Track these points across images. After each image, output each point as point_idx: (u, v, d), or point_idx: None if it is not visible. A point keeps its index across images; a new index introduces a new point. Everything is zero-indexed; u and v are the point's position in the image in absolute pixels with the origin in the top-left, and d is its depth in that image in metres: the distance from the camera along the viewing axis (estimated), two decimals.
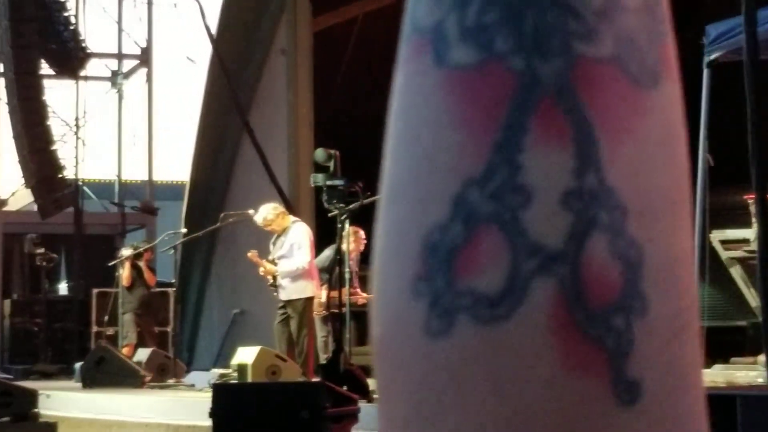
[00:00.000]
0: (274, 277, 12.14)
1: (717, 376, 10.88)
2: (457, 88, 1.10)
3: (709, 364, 11.21)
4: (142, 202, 21.91)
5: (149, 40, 21.95)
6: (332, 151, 9.98)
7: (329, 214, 10.18)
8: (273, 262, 12.18)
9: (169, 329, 17.45)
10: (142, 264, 15.99)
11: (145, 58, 22.05)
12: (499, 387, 1.09)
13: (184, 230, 15.39)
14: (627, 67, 1.14)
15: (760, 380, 9.60)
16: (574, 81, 1.12)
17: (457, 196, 1.09)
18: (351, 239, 11.23)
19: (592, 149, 1.11)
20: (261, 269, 12.20)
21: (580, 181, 1.11)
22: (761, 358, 11.19)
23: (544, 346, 1.09)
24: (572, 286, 1.08)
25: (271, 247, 12.33)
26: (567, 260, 1.09)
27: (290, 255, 12.08)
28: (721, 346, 12.89)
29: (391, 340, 1.09)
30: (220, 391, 7.90)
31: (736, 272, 11.60)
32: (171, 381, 13.13)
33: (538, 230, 1.08)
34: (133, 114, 22.13)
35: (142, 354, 14.06)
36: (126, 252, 16.03)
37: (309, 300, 12.11)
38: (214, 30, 16.34)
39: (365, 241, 13.15)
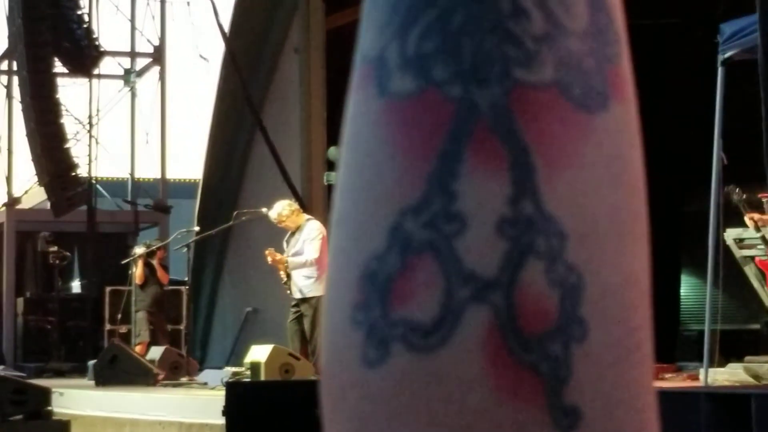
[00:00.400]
0: (288, 275, 12.14)
1: (731, 375, 10.86)
2: (396, 118, 1.10)
3: (722, 363, 11.19)
4: (154, 200, 21.93)
5: (162, 39, 21.95)
6: None
7: None
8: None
9: (181, 327, 17.48)
10: (155, 262, 16.01)
11: (158, 56, 22.05)
12: (434, 416, 1.09)
13: (196, 228, 15.40)
14: (569, 92, 1.13)
15: None
16: (510, 107, 1.11)
17: (394, 226, 1.09)
18: None
19: (529, 175, 1.11)
20: (269, 258, 12.16)
21: (515, 208, 1.10)
22: None
23: (477, 374, 1.08)
24: (506, 313, 1.08)
25: (284, 245, 12.33)
26: (501, 287, 1.09)
27: (302, 251, 12.10)
28: (736, 345, 12.87)
29: (332, 370, 1.09)
30: (234, 389, 7.92)
31: (750, 271, 11.57)
32: (184, 379, 13.15)
33: (473, 258, 1.08)
34: (145, 112, 22.15)
35: (155, 352, 14.07)
36: (139, 250, 16.05)
37: (322, 298, 12.08)
38: (227, 28, 16.35)
39: None
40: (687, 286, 16.33)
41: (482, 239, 1.07)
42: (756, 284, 11.55)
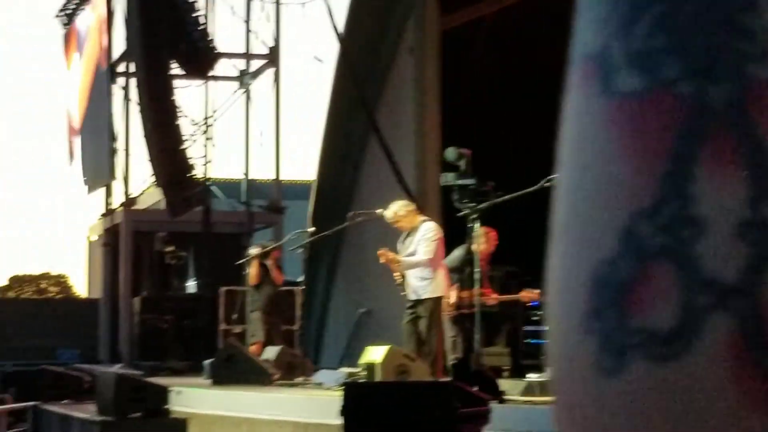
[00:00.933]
0: (403, 276, 12.11)
1: None
2: (624, 117, 1.04)
3: None
4: (269, 201, 22.10)
5: (277, 40, 22.09)
6: (463, 150, 9.93)
7: (459, 214, 10.11)
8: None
9: (295, 328, 17.56)
10: (269, 263, 16.10)
11: (272, 57, 22.20)
12: (676, 425, 1.03)
13: (311, 229, 15.44)
14: None
15: None
16: (747, 105, 1.04)
17: (625, 229, 1.03)
18: (481, 240, 11.13)
19: None
20: (382, 259, 12.11)
21: (756, 210, 1.03)
22: None
23: (721, 383, 1.02)
24: (751, 321, 1.01)
25: (399, 246, 12.30)
26: (744, 294, 1.02)
27: (416, 252, 12.05)
28: None
29: (564, 378, 1.04)
30: (352, 389, 7.90)
31: None
32: (299, 379, 13.18)
33: (713, 264, 1.02)
34: (260, 113, 22.33)
35: (271, 352, 14.13)
36: (254, 251, 16.15)
37: (439, 299, 12.06)
38: (341, 29, 16.38)
39: (496, 242, 13.07)
40: None
41: (722, 244, 1.01)
42: None
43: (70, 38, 26.34)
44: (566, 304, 1.02)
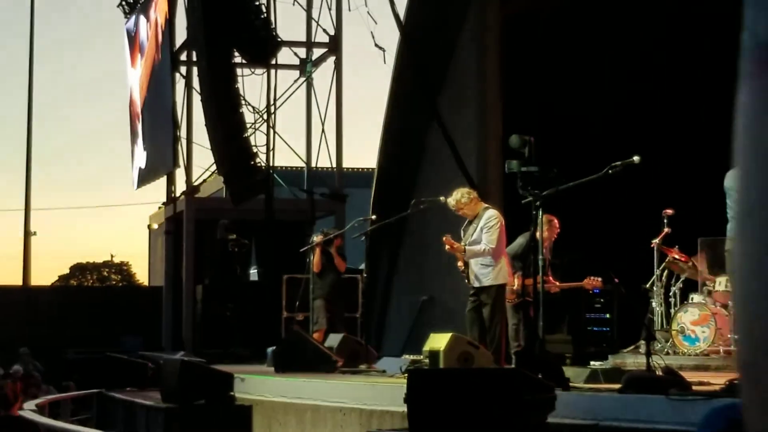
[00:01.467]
0: (466, 264, 12.10)
1: None
2: None
3: None
4: (330, 189, 22.14)
5: (338, 28, 22.11)
6: (527, 137, 9.89)
7: (523, 201, 10.07)
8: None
9: (357, 315, 17.59)
10: (332, 250, 16.12)
11: (334, 45, 22.23)
12: None
13: (373, 217, 15.46)
14: None
15: None
16: None
17: None
18: (545, 227, 11.08)
19: None
20: (447, 246, 12.11)
21: None
22: None
23: None
24: None
25: (461, 233, 12.29)
26: None
27: (479, 240, 12.04)
28: None
29: (754, 358, 1.01)
30: (416, 376, 7.91)
31: None
32: (363, 366, 13.20)
33: None
34: (321, 101, 22.36)
35: (334, 339, 14.16)
36: (316, 238, 16.17)
37: (502, 287, 12.05)
38: (402, 16, 16.37)
39: (558, 230, 13.03)
40: None
41: None
42: None
43: (134, 44, 26.55)
44: (759, 289, 1.00)
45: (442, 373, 9.27)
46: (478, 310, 11.99)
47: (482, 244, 11.98)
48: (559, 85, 16.87)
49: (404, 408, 7.65)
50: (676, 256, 14.32)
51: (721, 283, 13.95)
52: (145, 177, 26.16)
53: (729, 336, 13.42)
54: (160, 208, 25.89)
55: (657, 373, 9.06)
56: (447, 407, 7.43)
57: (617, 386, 8.79)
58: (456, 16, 16.09)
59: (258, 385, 11.89)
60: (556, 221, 12.82)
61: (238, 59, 19.80)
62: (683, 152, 15.24)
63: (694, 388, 8.51)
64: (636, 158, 10.22)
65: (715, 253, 14.15)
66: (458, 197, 12.24)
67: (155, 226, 28.58)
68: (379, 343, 17.25)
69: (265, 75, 21.46)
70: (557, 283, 13.80)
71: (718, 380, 9.34)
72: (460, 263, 12.21)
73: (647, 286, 14.33)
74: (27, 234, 32.48)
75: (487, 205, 12.48)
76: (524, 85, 16.57)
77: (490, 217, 12.15)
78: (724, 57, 17.42)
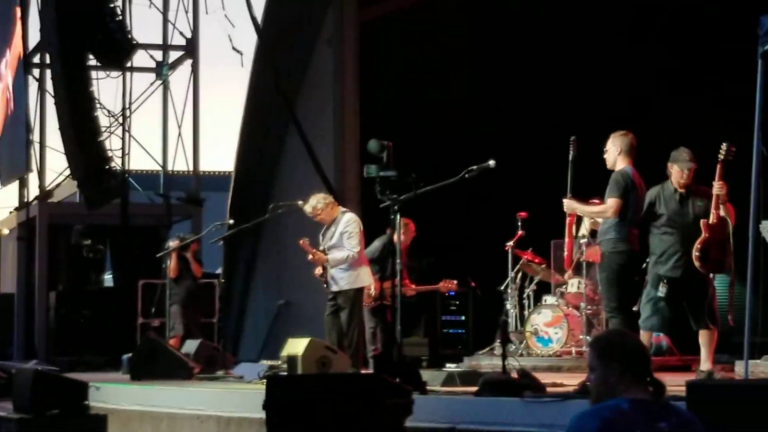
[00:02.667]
0: (324, 268, 12.13)
1: (767, 367, 10.79)
2: None
3: (758, 355, 11.11)
4: (187, 193, 21.95)
5: (195, 31, 21.92)
6: (385, 142, 9.95)
7: (381, 206, 10.14)
8: (324, 253, 12.17)
9: (214, 320, 17.49)
10: (188, 255, 16.03)
11: (190, 48, 22.03)
12: None
13: (230, 221, 15.39)
14: None
15: None
16: None
17: None
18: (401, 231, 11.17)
19: None
20: (309, 256, 12.18)
21: None
22: None
23: None
24: None
25: (320, 238, 12.32)
26: None
27: (340, 245, 12.08)
28: None
29: None
30: (274, 383, 7.89)
31: None
32: (220, 373, 13.13)
33: None
34: (178, 105, 22.15)
35: (190, 345, 14.08)
36: (172, 243, 16.05)
37: (360, 291, 12.10)
38: (260, 20, 16.33)
39: (414, 234, 13.14)
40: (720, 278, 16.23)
41: None
42: None
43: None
44: None
45: (300, 378, 9.27)
46: (336, 315, 12.03)
47: (346, 250, 12.03)
48: (417, 90, 17.00)
49: (262, 414, 7.63)
50: (530, 259, 14.56)
51: (573, 284, 14.23)
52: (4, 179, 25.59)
53: (581, 337, 13.69)
54: (11, 213, 25.37)
55: (512, 375, 9.19)
56: (305, 413, 7.44)
57: (473, 389, 8.90)
58: (313, 20, 16.11)
59: (113, 394, 11.72)
60: (411, 225, 12.94)
61: (92, 62, 19.52)
62: (537, 156, 15.44)
63: (548, 389, 8.67)
64: (491, 162, 10.37)
65: None
66: (314, 203, 12.27)
67: (6, 231, 27.96)
68: (236, 348, 17.18)
69: (121, 78, 21.20)
70: (413, 286, 13.94)
71: (571, 381, 9.53)
72: (318, 270, 12.22)
73: (502, 288, 14.53)
74: None
75: (344, 210, 12.53)
76: (383, 91, 16.67)
77: (349, 222, 12.20)
78: (577, 60, 17.76)
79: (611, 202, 9.60)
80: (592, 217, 10.13)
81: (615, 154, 9.72)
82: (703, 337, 10.08)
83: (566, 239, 10.37)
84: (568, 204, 9.91)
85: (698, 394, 6.11)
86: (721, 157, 9.98)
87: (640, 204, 9.79)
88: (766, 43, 9.12)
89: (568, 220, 10.17)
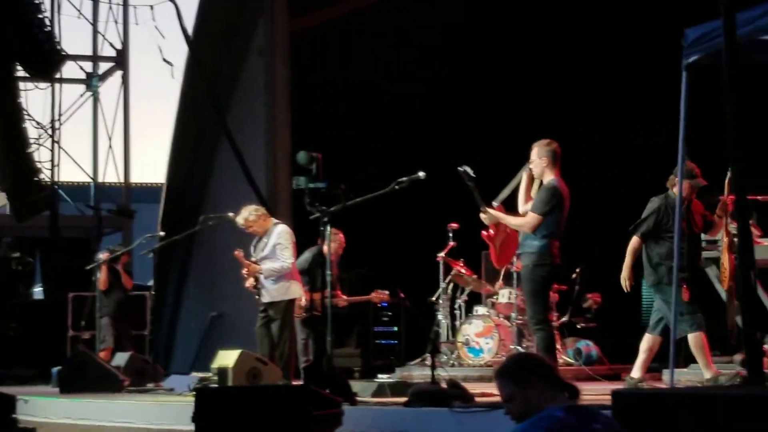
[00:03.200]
0: (256, 279, 12.12)
1: (693, 375, 10.94)
2: None
3: (685, 364, 11.26)
4: (118, 205, 21.82)
5: (125, 42, 21.84)
6: (314, 154, 9.98)
7: (311, 217, 10.17)
8: (256, 264, 12.16)
9: (145, 333, 17.39)
10: (119, 267, 15.94)
11: (120, 60, 21.94)
12: None
13: (161, 233, 15.33)
14: None
15: (737, 379, 9.67)
16: None
17: None
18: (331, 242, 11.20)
19: None
20: (245, 270, 12.17)
21: None
22: (737, 357, 11.27)
23: None
24: None
25: (252, 249, 12.31)
26: None
27: (273, 256, 12.07)
28: None
29: None
30: (203, 395, 7.89)
31: (712, 272, 11.64)
32: (150, 385, 13.08)
33: None
34: (108, 116, 22.02)
35: (120, 358, 14.00)
36: (102, 255, 15.97)
37: (291, 302, 12.11)
38: (190, 31, 16.29)
39: (344, 244, 13.17)
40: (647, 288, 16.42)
41: None
42: (717, 285, 11.62)
43: None
44: None
45: (229, 391, 9.27)
46: (267, 326, 12.03)
47: (279, 261, 12.03)
48: (348, 102, 17.04)
49: (192, 427, 7.63)
50: (461, 269, 14.63)
51: (504, 295, 14.33)
52: None
53: (512, 347, 13.78)
54: None
55: (441, 385, 9.25)
56: (235, 425, 7.45)
57: (403, 399, 8.95)
58: (244, 31, 16.10)
59: (42, 407, 11.63)
60: (341, 236, 12.97)
61: (21, 73, 19.36)
62: (470, 166, 15.53)
63: (477, 399, 8.73)
64: (421, 174, 10.45)
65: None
66: (246, 215, 12.26)
67: None
68: (168, 361, 17.11)
69: (50, 89, 21.05)
70: (345, 297, 13.95)
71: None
72: (250, 282, 12.21)
73: (433, 299, 14.59)
74: None
75: (277, 221, 12.53)
76: (314, 102, 16.69)
77: (282, 234, 12.21)
78: (507, 70, 17.85)
79: (531, 218, 9.66)
80: (513, 227, 10.17)
81: (542, 165, 9.79)
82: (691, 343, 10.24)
83: (491, 249, 10.46)
84: (490, 215, 9.98)
85: (624, 402, 6.20)
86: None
87: (564, 217, 9.86)
88: (690, 55, 9.26)
89: (488, 232, 10.26)
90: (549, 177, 9.76)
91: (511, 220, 9.97)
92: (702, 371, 10.09)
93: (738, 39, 7.53)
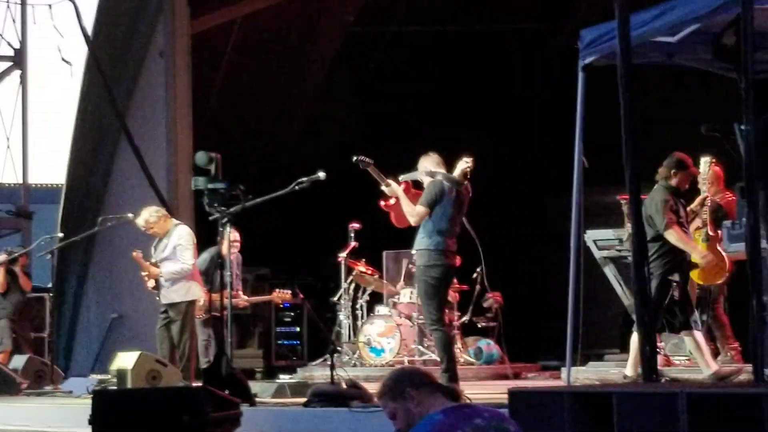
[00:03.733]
0: (157, 281, 12.05)
1: (591, 373, 11.10)
2: None
3: (583, 362, 11.41)
4: (16, 206, 21.53)
5: (23, 42, 21.57)
6: (213, 154, 9.95)
7: (210, 218, 10.14)
8: (155, 266, 12.09)
9: (44, 335, 17.19)
10: (17, 269, 15.74)
11: (18, 59, 21.67)
12: None
13: (60, 234, 15.17)
14: None
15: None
16: None
17: None
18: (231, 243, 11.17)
19: None
20: (144, 273, 12.10)
21: None
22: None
23: None
24: None
25: (152, 250, 12.24)
26: None
27: (173, 257, 12.01)
28: (594, 343, 13.14)
29: None
30: (100, 397, 7.84)
31: (610, 271, 11.82)
32: (48, 388, 12.94)
33: None
34: (6, 116, 21.72)
35: (18, 361, 13.83)
36: (1, 257, 15.76)
37: (192, 303, 12.06)
38: (90, 31, 16.13)
39: (240, 243, 13.10)
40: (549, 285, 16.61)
41: None
42: (615, 284, 11.80)
43: None
44: None
45: (127, 393, 9.22)
46: (167, 327, 11.97)
47: (179, 262, 11.97)
48: (247, 103, 17.02)
49: (90, 429, 7.57)
50: (363, 269, 14.67)
51: (405, 294, 14.40)
52: None
53: (413, 347, 13.86)
54: None
55: (342, 385, 9.28)
56: (132, 427, 7.40)
57: (303, 400, 8.97)
58: (144, 32, 15.98)
59: None
60: (236, 234, 12.96)
61: None
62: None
63: (376, 399, 8.76)
64: (321, 174, 10.48)
65: (399, 265, 14.61)
66: (146, 217, 12.19)
67: None
68: (68, 363, 16.93)
69: None
70: (246, 298, 13.92)
71: None
72: (150, 283, 12.14)
73: (335, 299, 14.61)
74: None
75: (177, 222, 12.47)
76: (215, 102, 16.63)
77: (182, 235, 12.15)
78: (404, 69, 17.95)
79: (420, 210, 9.79)
80: (406, 212, 10.22)
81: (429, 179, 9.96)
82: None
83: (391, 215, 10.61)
84: (392, 189, 10.12)
85: (520, 401, 6.26)
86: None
87: (459, 215, 9.96)
88: (585, 56, 9.41)
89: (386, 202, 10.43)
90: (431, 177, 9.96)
91: (405, 204, 10.04)
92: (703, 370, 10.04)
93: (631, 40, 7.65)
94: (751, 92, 6.62)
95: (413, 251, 10.19)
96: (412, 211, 9.83)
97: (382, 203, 10.67)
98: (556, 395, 6.37)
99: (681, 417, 5.33)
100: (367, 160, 10.40)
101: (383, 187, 10.30)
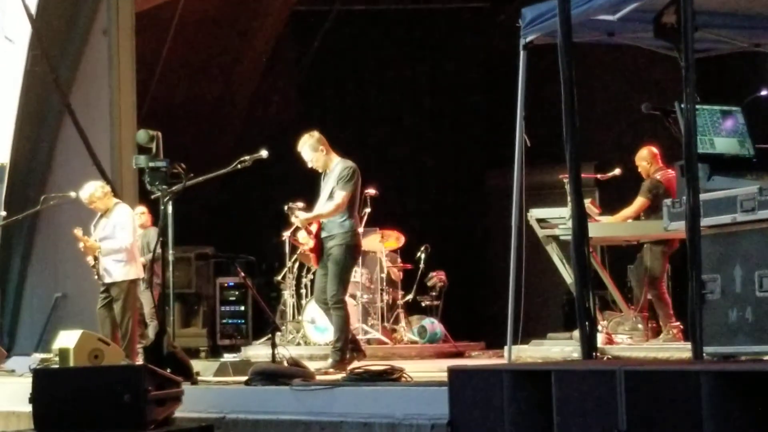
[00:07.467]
0: (96, 258, 12.03)
1: (534, 352, 11.19)
2: None
3: (525, 341, 11.49)
4: None
5: None
6: (154, 132, 9.91)
7: (152, 197, 10.12)
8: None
9: None
10: None
11: None
12: None
13: (3, 213, 15.06)
14: None
15: (575, 355, 9.89)
16: None
17: None
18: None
19: None
20: (81, 244, 12.07)
21: None
22: (576, 333, 11.55)
23: None
24: None
25: (92, 229, 12.22)
26: None
27: (113, 236, 12.00)
28: (539, 322, 13.23)
29: None
30: (41, 376, 7.81)
31: (552, 250, 11.89)
32: None
33: None
34: None
35: None
36: None
37: (133, 282, 12.05)
38: (33, 9, 16.00)
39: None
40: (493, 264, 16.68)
41: None
42: (558, 263, 11.87)
43: None
44: None
45: (68, 371, 9.19)
46: (109, 306, 11.97)
47: (119, 241, 11.96)
48: (190, 82, 16.98)
49: (30, 408, 7.55)
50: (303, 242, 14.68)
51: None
52: None
53: (357, 325, 13.89)
54: None
55: (283, 364, 9.29)
56: (72, 406, 7.39)
57: (244, 378, 8.98)
58: (88, 9, 15.86)
59: None
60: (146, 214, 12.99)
61: None
62: None
63: (318, 377, 8.80)
64: (264, 152, 10.48)
65: None
66: (92, 191, 12.20)
67: None
68: (11, 342, 16.83)
69: None
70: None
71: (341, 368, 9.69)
72: (89, 258, 12.14)
73: (279, 278, 14.60)
74: None
75: (118, 201, 12.46)
76: (158, 81, 16.56)
77: (123, 213, 12.16)
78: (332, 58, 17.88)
79: (340, 197, 9.95)
80: (326, 217, 10.32)
81: (323, 155, 10.12)
82: None
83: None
84: (302, 219, 10.24)
85: (460, 379, 6.29)
86: None
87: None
88: (527, 35, 9.45)
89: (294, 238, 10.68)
90: (336, 159, 10.11)
91: (322, 210, 10.20)
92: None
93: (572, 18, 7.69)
94: (692, 71, 6.66)
95: (324, 236, 10.30)
96: (334, 205, 10.13)
97: (305, 246, 10.90)
98: (495, 373, 6.40)
99: (619, 394, 5.36)
100: (295, 206, 10.66)
101: (292, 218, 10.56)
